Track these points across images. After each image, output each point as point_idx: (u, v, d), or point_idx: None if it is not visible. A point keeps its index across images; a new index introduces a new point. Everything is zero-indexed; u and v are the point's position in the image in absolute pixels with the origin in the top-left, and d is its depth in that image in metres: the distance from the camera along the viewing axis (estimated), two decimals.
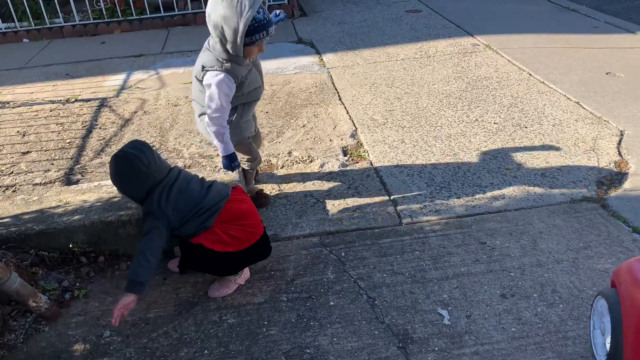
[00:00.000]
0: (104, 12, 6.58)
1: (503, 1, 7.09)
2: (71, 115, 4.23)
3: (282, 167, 3.36)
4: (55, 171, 3.40)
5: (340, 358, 2.00)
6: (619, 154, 3.26)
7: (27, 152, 3.69)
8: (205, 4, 7.03)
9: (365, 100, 4.21)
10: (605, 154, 3.27)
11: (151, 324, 2.21)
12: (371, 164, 3.33)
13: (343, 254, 2.55)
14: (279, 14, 2.61)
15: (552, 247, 2.51)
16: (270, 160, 3.42)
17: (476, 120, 3.79)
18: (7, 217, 2.55)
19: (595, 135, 3.48)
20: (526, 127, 3.64)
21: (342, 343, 2.06)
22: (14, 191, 3.19)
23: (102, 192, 2.73)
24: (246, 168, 2.84)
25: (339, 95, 4.35)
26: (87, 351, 2.09)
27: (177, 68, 5.23)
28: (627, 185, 2.95)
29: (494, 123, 3.73)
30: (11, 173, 3.42)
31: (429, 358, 1.98)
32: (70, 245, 2.50)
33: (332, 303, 2.26)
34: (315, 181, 3.17)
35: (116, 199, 2.62)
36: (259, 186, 3.08)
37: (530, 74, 4.54)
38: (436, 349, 2.02)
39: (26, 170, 3.45)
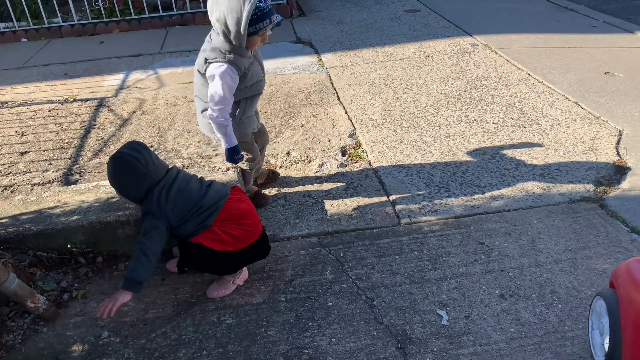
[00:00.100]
0: (103, 12, 6.57)
1: (502, 1, 7.09)
2: (69, 115, 4.23)
3: (281, 167, 3.36)
4: (53, 171, 3.40)
5: (339, 359, 2.00)
6: (618, 153, 3.27)
7: (26, 152, 3.69)
8: (204, 3, 6.97)
9: (364, 100, 4.21)
10: (604, 154, 3.27)
11: (149, 324, 2.21)
12: (370, 164, 3.33)
13: (342, 254, 2.55)
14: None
15: (551, 248, 2.52)
16: (268, 160, 3.41)
17: (475, 120, 3.79)
18: (5, 218, 2.54)
19: (593, 135, 3.48)
20: (525, 127, 3.64)
21: (341, 344, 2.06)
22: (12, 191, 3.19)
23: (101, 192, 2.73)
24: (244, 168, 2.83)
25: (337, 95, 4.35)
26: (85, 352, 2.09)
27: (176, 68, 5.22)
28: (625, 185, 2.95)
29: (493, 123, 3.73)
30: (9, 173, 3.41)
31: (428, 358, 1.98)
32: (69, 246, 2.49)
33: (330, 303, 2.26)
34: (314, 181, 3.17)
35: (114, 200, 2.62)
36: (263, 184, 3.09)
37: (529, 74, 4.55)
38: (435, 349, 2.02)
39: (24, 170, 3.44)
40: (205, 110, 2.50)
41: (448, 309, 2.20)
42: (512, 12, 6.53)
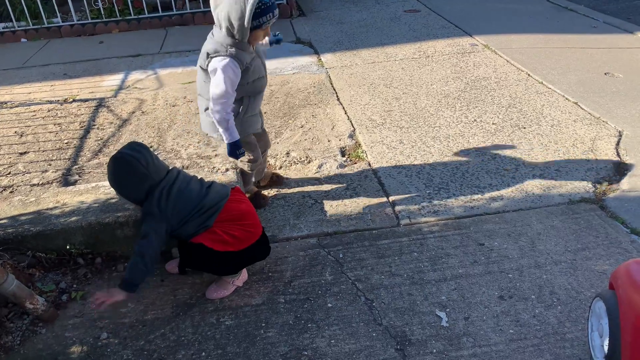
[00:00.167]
0: (102, 12, 6.57)
1: (502, 1, 7.09)
2: (69, 116, 4.22)
3: (280, 167, 3.36)
4: (52, 172, 3.39)
5: None
6: (618, 154, 3.26)
7: (25, 152, 3.68)
8: (204, 3, 6.97)
9: (364, 101, 4.20)
10: (604, 154, 3.27)
11: (148, 325, 2.21)
12: (369, 164, 3.32)
13: (341, 255, 2.54)
14: (277, 34, 2.66)
15: (551, 249, 2.51)
16: (268, 161, 3.41)
17: (475, 120, 3.78)
18: (4, 219, 2.54)
19: (593, 136, 3.48)
20: (524, 128, 3.64)
21: (340, 345, 2.06)
22: (11, 192, 3.19)
23: (100, 193, 2.72)
24: (246, 169, 2.82)
25: (337, 96, 4.35)
26: (84, 353, 2.09)
27: (175, 68, 5.22)
28: (625, 186, 2.95)
29: (493, 123, 3.72)
30: (9, 174, 3.41)
31: None
32: (68, 247, 2.49)
33: (330, 305, 2.25)
34: (313, 182, 3.17)
35: (113, 200, 2.61)
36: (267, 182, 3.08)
37: (528, 74, 4.54)
38: (434, 350, 2.01)
39: (24, 170, 3.44)
40: (208, 108, 2.49)
41: (447, 310, 2.20)
42: (512, 12, 6.53)
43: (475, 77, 4.54)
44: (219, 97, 2.32)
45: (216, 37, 2.33)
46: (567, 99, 4.04)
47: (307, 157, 3.44)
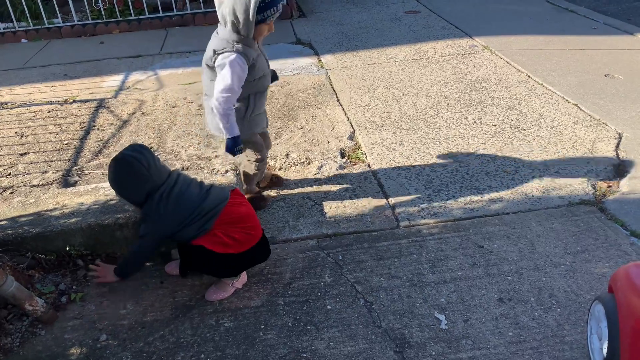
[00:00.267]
0: (103, 13, 6.57)
1: (502, 2, 7.09)
2: (69, 116, 4.22)
3: (280, 169, 3.36)
4: (52, 173, 3.39)
5: None
6: (617, 156, 3.26)
7: (25, 153, 3.68)
8: (204, 4, 6.97)
9: (364, 102, 4.21)
10: (604, 156, 3.26)
11: (148, 327, 2.21)
12: (369, 166, 3.33)
13: (340, 257, 2.54)
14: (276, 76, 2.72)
15: (550, 251, 2.51)
16: (267, 162, 3.41)
17: (474, 122, 3.78)
18: (3, 220, 2.54)
19: (593, 138, 3.48)
20: (524, 130, 3.64)
21: (339, 347, 2.06)
22: (11, 193, 3.19)
23: (99, 194, 2.72)
24: (252, 169, 2.80)
25: (337, 97, 4.35)
26: (83, 355, 2.09)
27: (176, 69, 5.22)
28: (625, 188, 2.95)
29: (492, 125, 3.72)
30: (9, 174, 3.41)
31: None
32: (67, 248, 2.49)
33: (329, 307, 2.25)
34: (313, 183, 3.17)
35: (113, 202, 2.61)
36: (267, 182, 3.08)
37: (528, 76, 4.54)
38: (433, 353, 2.02)
39: (24, 171, 3.44)
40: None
41: (447, 312, 2.20)
42: (512, 13, 6.53)
43: (475, 79, 4.54)
44: (224, 91, 2.33)
45: (221, 35, 2.35)
46: (567, 100, 4.04)
47: (306, 159, 3.44)
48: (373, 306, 2.25)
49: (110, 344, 2.13)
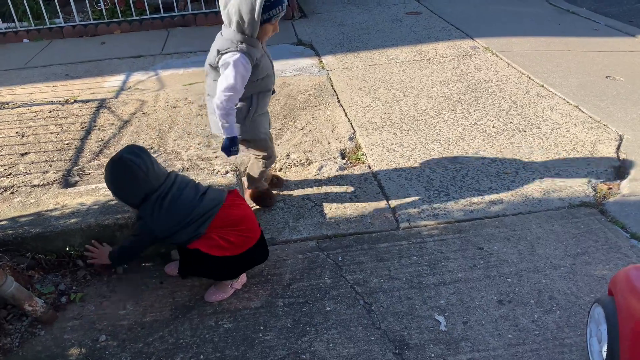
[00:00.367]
0: (104, 13, 6.58)
1: (503, 3, 7.08)
2: (70, 117, 4.23)
3: (280, 169, 3.36)
4: (53, 173, 3.40)
5: None
6: (618, 158, 3.26)
7: (26, 153, 3.69)
8: (206, 4, 6.95)
9: (364, 103, 4.21)
10: (604, 158, 3.26)
11: (147, 328, 2.21)
12: (369, 167, 3.32)
13: (340, 259, 2.54)
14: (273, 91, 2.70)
15: (550, 253, 2.51)
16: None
17: (475, 123, 3.78)
18: (4, 220, 2.54)
19: (594, 140, 3.47)
20: (525, 131, 3.64)
21: (338, 349, 2.06)
22: (12, 193, 3.19)
23: (100, 195, 2.73)
24: (260, 167, 2.79)
25: (337, 98, 4.35)
26: (82, 355, 2.09)
27: (177, 69, 5.22)
28: (625, 190, 2.94)
29: (493, 126, 3.72)
30: (9, 174, 3.42)
31: None
32: (67, 249, 2.49)
33: (328, 308, 2.25)
34: (313, 184, 3.17)
35: (113, 202, 2.62)
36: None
37: (529, 77, 4.54)
38: (432, 355, 2.01)
39: (24, 171, 3.44)
40: None
41: (446, 314, 2.19)
42: (513, 14, 6.53)
43: (476, 80, 4.54)
44: (226, 90, 2.32)
45: (225, 35, 2.35)
46: (567, 102, 4.04)
47: (307, 159, 3.44)
48: (372, 308, 2.25)
49: (109, 345, 2.13)
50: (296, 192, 3.10)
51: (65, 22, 6.58)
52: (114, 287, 2.44)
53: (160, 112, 4.24)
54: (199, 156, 3.52)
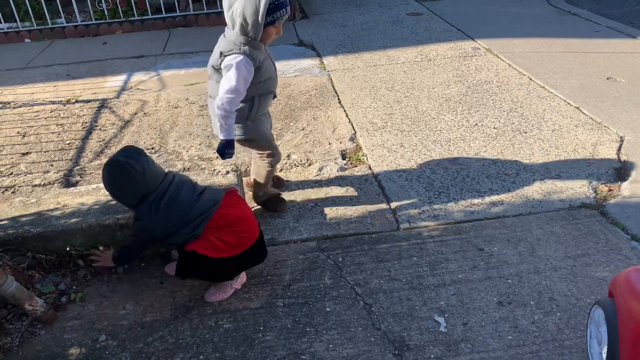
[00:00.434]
0: (106, 13, 6.59)
1: (504, 4, 7.09)
2: (71, 116, 4.24)
3: (281, 170, 3.36)
4: (54, 172, 3.40)
5: None
6: (619, 160, 3.25)
7: (27, 152, 3.70)
8: (207, 5, 6.93)
9: (365, 104, 4.21)
10: (605, 160, 3.26)
11: (147, 328, 2.21)
12: (370, 168, 3.33)
13: (340, 259, 2.54)
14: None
15: (550, 254, 2.51)
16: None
17: (476, 124, 3.78)
18: (4, 220, 2.55)
19: (595, 141, 3.47)
20: (526, 132, 3.63)
21: (338, 350, 2.06)
22: (13, 192, 3.20)
23: (100, 194, 2.73)
24: (267, 167, 2.76)
25: (338, 99, 4.35)
26: (82, 355, 2.09)
27: (178, 69, 5.23)
28: (626, 192, 2.94)
29: (494, 128, 3.72)
30: (11, 174, 3.42)
31: None
32: (68, 249, 2.50)
33: (328, 309, 2.25)
34: (314, 185, 3.17)
35: (114, 202, 2.62)
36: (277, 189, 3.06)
37: (530, 79, 4.54)
38: (432, 356, 2.01)
39: (26, 171, 3.45)
40: None
41: (446, 315, 2.19)
42: (514, 16, 6.52)
43: (477, 81, 4.54)
44: (229, 92, 2.31)
45: (228, 37, 2.35)
46: (568, 103, 4.04)
47: (307, 160, 3.44)
48: (372, 308, 2.25)
49: (109, 345, 2.14)
50: (297, 193, 3.10)
51: (67, 22, 6.59)
52: (114, 287, 2.44)
53: (162, 112, 4.25)
54: (199, 156, 3.52)
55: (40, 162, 3.56)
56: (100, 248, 2.46)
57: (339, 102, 4.28)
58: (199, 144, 3.69)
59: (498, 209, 2.86)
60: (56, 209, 2.62)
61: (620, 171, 3.15)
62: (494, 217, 2.79)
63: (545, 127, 3.69)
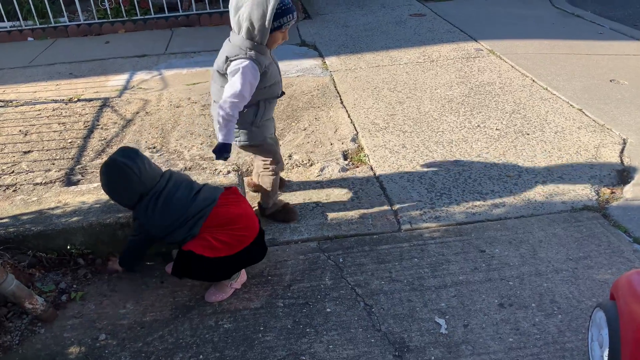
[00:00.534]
0: (109, 12, 6.60)
1: (507, 6, 7.07)
2: (73, 115, 4.24)
3: (282, 170, 3.35)
4: (56, 171, 3.40)
5: None
6: (622, 162, 3.24)
7: (29, 151, 3.70)
8: (210, 5, 6.94)
9: (367, 104, 4.20)
10: (608, 162, 3.25)
11: (147, 327, 2.21)
12: (371, 168, 3.32)
13: (341, 260, 2.53)
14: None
15: (552, 257, 2.50)
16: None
17: (478, 126, 3.77)
18: (5, 218, 2.55)
19: (597, 143, 3.46)
20: (528, 134, 3.62)
21: (338, 350, 2.05)
22: (14, 191, 3.20)
23: (101, 193, 2.72)
24: (271, 176, 2.73)
25: (340, 99, 4.35)
26: (82, 354, 2.09)
27: (181, 69, 5.23)
28: (629, 194, 2.93)
29: (496, 129, 3.71)
30: (12, 172, 3.42)
31: None
32: (68, 247, 2.50)
33: (328, 310, 2.25)
34: (315, 185, 3.16)
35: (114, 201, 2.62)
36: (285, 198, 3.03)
37: (533, 80, 4.53)
38: (432, 358, 2.00)
39: (27, 169, 3.45)
40: None
41: (447, 317, 2.18)
42: (517, 17, 6.51)
43: (480, 82, 4.53)
44: (233, 96, 2.29)
45: (234, 42, 2.33)
46: (571, 105, 4.02)
47: (309, 160, 3.44)
48: (373, 310, 2.24)
49: (109, 344, 2.13)
50: (298, 193, 3.10)
51: (69, 21, 6.60)
52: (114, 286, 2.44)
53: (164, 111, 4.25)
54: (201, 156, 3.52)
55: (41, 160, 3.56)
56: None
57: (341, 103, 4.28)
58: (201, 144, 3.68)
59: (500, 210, 2.85)
60: (57, 207, 2.62)
61: (623, 174, 3.14)
62: (495, 219, 2.78)
63: (547, 129, 3.68)
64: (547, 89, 4.33)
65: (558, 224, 2.72)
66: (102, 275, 2.51)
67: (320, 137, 3.74)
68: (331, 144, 3.63)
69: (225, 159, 2.43)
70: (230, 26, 2.39)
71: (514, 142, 3.53)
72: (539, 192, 2.98)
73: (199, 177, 2.80)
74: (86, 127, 4.02)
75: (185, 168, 3.36)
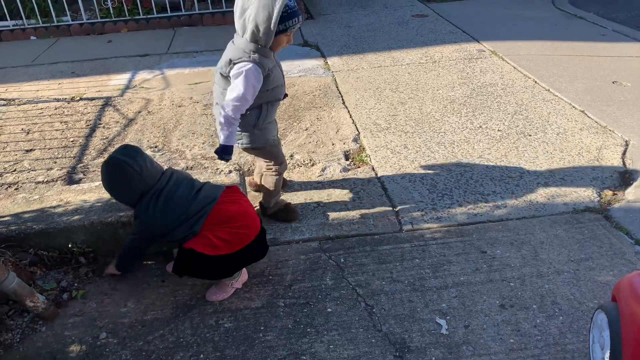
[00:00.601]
0: (111, 11, 6.61)
1: (510, 7, 7.07)
2: (75, 114, 4.24)
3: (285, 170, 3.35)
4: (57, 170, 3.41)
5: None
6: (624, 164, 3.24)
7: (31, 149, 3.70)
8: (212, 5, 6.95)
9: (369, 105, 4.20)
10: (610, 164, 3.24)
11: (148, 326, 2.21)
12: (373, 169, 3.32)
13: (342, 260, 2.53)
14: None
15: (553, 258, 2.49)
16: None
17: (480, 127, 3.77)
18: (7, 216, 2.55)
19: (599, 145, 3.45)
20: (530, 135, 3.62)
21: (339, 351, 2.05)
22: (16, 189, 3.20)
23: (103, 192, 2.72)
24: (274, 177, 2.73)
25: (342, 99, 4.35)
26: (83, 352, 2.09)
27: (183, 69, 5.23)
28: (631, 196, 2.92)
29: (498, 130, 3.71)
30: (14, 170, 3.43)
31: None
32: (70, 245, 2.50)
33: (329, 310, 2.25)
34: (316, 185, 3.16)
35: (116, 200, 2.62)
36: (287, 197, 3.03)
37: (535, 82, 4.52)
38: (433, 358, 2.00)
39: (29, 168, 3.46)
40: None
41: (448, 317, 2.18)
42: (520, 18, 6.51)
43: (482, 83, 4.52)
44: (235, 99, 2.29)
45: (238, 44, 2.32)
46: (573, 107, 4.02)
47: (310, 160, 3.44)
48: (374, 310, 2.24)
49: (110, 342, 2.13)
50: (299, 193, 3.10)
51: (72, 20, 6.60)
52: (115, 285, 2.44)
53: (165, 110, 4.25)
54: (203, 155, 3.52)
55: (43, 159, 3.57)
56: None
57: (343, 103, 4.27)
58: (203, 143, 3.69)
59: (501, 211, 2.85)
60: (59, 206, 2.62)
61: (625, 175, 3.13)
62: (497, 220, 2.78)
63: (549, 131, 3.67)
64: (549, 90, 4.32)
65: (560, 226, 2.71)
66: (103, 273, 2.51)
67: (322, 137, 3.74)
68: (333, 144, 3.63)
69: (227, 160, 2.43)
70: (234, 27, 2.38)
71: (516, 143, 3.53)
72: (540, 194, 2.98)
73: (200, 177, 2.80)
74: (88, 125, 4.03)
75: (187, 167, 3.36)
